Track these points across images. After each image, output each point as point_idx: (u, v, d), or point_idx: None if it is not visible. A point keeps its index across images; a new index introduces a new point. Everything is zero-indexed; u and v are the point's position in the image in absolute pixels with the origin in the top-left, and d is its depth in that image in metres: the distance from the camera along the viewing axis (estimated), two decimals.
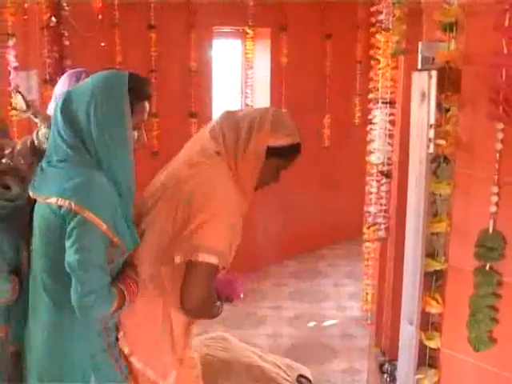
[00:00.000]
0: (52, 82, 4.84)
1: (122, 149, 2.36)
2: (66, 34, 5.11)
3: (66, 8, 5.09)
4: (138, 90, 2.40)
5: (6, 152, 3.07)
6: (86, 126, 2.31)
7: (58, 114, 2.36)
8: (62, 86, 3.46)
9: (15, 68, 4.39)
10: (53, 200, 2.26)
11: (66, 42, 5.11)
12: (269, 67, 6.99)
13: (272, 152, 2.67)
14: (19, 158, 3.13)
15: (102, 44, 5.33)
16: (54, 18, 4.92)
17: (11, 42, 4.37)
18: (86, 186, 2.27)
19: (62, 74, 4.82)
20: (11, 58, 4.37)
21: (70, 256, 2.22)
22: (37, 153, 3.26)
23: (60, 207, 2.25)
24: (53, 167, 2.36)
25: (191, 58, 6.20)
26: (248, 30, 6.56)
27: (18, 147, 3.24)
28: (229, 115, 2.69)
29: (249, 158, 2.58)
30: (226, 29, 6.80)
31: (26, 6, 4.52)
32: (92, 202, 2.25)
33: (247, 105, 6.86)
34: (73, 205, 2.22)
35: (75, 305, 2.24)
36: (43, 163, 2.42)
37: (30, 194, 2.40)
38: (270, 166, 2.67)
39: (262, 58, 6.97)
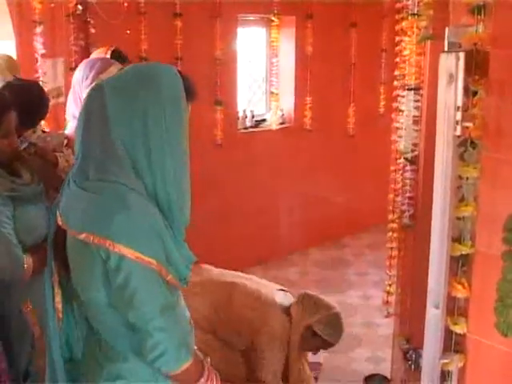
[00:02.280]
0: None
1: (180, 164, 2.01)
2: (92, 22, 5.12)
3: None
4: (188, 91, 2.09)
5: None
6: (138, 137, 1.94)
7: (95, 117, 1.97)
8: (78, 73, 3.52)
9: (42, 55, 4.42)
10: (85, 237, 1.90)
11: (92, 30, 5.12)
12: (294, 56, 6.98)
13: None
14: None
15: (128, 32, 5.34)
16: (80, 6, 4.94)
17: (38, 30, 4.41)
18: (127, 219, 1.89)
19: None
20: (38, 46, 4.41)
21: (129, 313, 1.93)
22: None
23: (98, 246, 1.89)
24: (82, 189, 1.97)
25: (216, 46, 6.20)
26: (273, 18, 6.54)
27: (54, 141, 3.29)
28: None
29: None
30: (251, 17, 6.79)
31: None
32: (134, 237, 1.89)
33: (272, 93, 6.85)
34: (112, 244, 1.87)
35: (148, 361, 1.98)
36: (71, 180, 2.04)
37: (59, 221, 2.04)
38: None
39: (286, 47, 6.95)
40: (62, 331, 2.19)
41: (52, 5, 4.59)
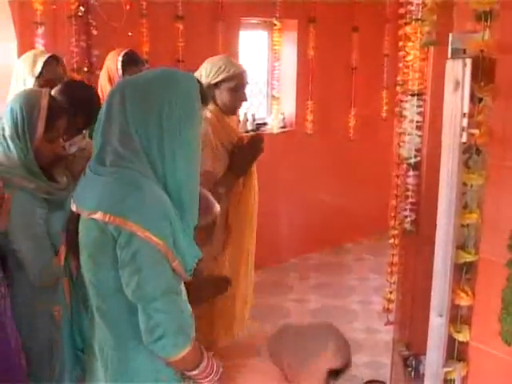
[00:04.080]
0: (79, 71, 4.87)
1: (191, 162, 2.09)
2: (94, 24, 5.10)
3: None
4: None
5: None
6: (153, 131, 2.03)
7: (116, 111, 2.06)
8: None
9: None
10: (98, 215, 1.98)
11: (94, 32, 5.10)
12: (295, 59, 6.96)
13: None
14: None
15: (130, 34, 5.33)
16: (82, 8, 4.93)
17: (40, 31, 4.41)
18: (139, 199, 1.98)
19: (90, 62, 4.90)
20: (40, 47, 4.40)
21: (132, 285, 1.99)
22: None
23: (106, 224, 1.98)
24: (98, 175, 2.07)
25: (218, 49, 6.17)
26: (275, 22, 6.53)
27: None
28: None
29: None
30: (254, 20, 6.78)
31: None
32: (145, 217, 1.97)
33: (273, 96, 6.85)
34: (123, 222, 1.95)
35: (146, 344, 2.03)
36: (87, 169, 2.15)
37: (73, 207, 2.14)
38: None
39: (288, 50, 6.94)
40: (74, 321, 2.25)
41: (54, 6, 4.59)
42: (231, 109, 3.75)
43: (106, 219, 1.96)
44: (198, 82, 2.17)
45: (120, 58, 3.94)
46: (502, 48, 2.12)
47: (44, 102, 2.72)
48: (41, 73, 3.58)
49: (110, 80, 3.97)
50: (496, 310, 2.17)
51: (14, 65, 3.97)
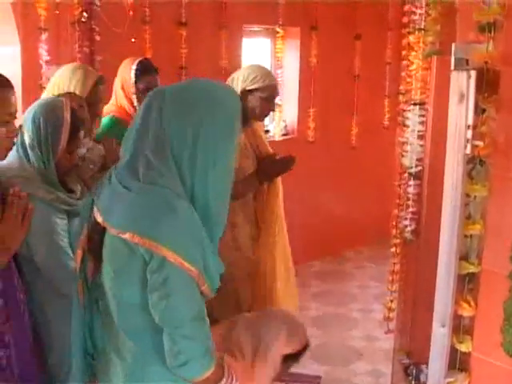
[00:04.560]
0: None
1: (222, 180, 2.05)
2: (97, 30, 5.11)
3: (98, 3, 5.09)
4: None
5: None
6: (187, 143, 1.97)
7: (152, 119, 2.01)
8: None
9: (47, 62, 4.42)
10: (129, 236, 1.93)
11: (97, 38, 5.11)
12: (298, 67, 6.97)
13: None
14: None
15: (133, 40, 5.34)
16: (85, 14, 4.93)
17: (44, 37, 4.41)
18: (172, 223, 1.92)
19: (93, 68, 4.91)
20: (43, 53, 4.41)
21: (160, 309, 1.96)
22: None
23: (137, 245, 1.92)
24: (127, 189, 2.00)
25: (221, 56, 6.19)
26: (278, 29, 6.54)
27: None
28: None
29: None
30: (257, 27, 6.79)
31: (57, 0, 4.55)
32: (178, 242, 1.92)
33: (276, 103, 6.84)
34: (156, 246, 1.89)
35: (170, 367, 2.00)
36: (113, 176, 2.09)
37: (99, 218, 2.06)
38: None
39: (291, 58, 6.95)
40: (86, 326, 2.22)
41: (57, 12, 4.59)
42: (259, 116, 3.88)
43: (137, 241, 1.91)
44: (241, 99, 2.14)
45: (134, 67, 3.93)
46: (506, 60, 2.12)
47: (67, 115, 2.73)
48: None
49: (124, 88, 3.97)
50: (498, 320, 2.17)
51: (17, 70, 3.99)
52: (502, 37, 2.19)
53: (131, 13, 5.18)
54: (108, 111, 3.93)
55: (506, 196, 2.17)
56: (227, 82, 3.82)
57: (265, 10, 6.36)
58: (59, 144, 2.71)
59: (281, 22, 6.49)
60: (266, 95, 3.78)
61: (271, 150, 4.00)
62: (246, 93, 3.72)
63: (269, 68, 6.91)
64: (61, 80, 3.58)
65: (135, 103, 3.89)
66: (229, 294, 3.51)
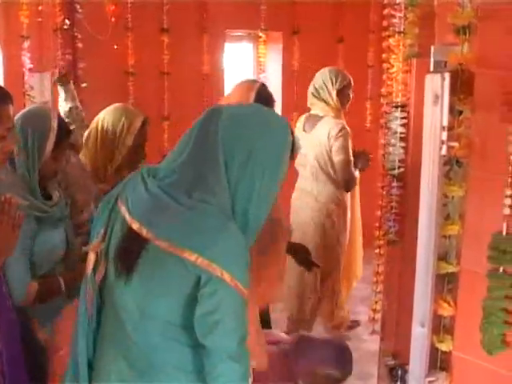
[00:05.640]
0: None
1: (264, 205, 2.02)
2: (80, 37, 5.13)
3: (80, 11, 5.11)
4: None
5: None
6: (236, 169, 1.95)
7: (209, 139, 1.98)
8: None
9: (30, 70, 4.42)
10: (187, 254, 1.86)
11: (80, 45, 5.13)
12: (280, 71, 6.99)
13: None
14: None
15: (115, 47, 5.35)
16: (67, 21, 4.94)
17: (26, 44, 4.41)
18: (228, 244, 1.88)
19: (76, 75, 4.92)
20: (26, 60, 4.41)
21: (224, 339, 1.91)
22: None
23: (198, 267, 1.85)
24: (175, 201, 1.93)
25: (203, 62, 6.21)
26: (260, 34, 6.56)
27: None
28: None
29: None
30: (239, 32, 6.81)
31: (39, 8, 4.55)
32: (234, 264, 1.88)
33: None
34: (213, 267, 1.84)
35: None
36: (150, 184, 2.00)
37: (135, 225, 1.96)
38: None
39: (274, 62, 6.96)
40: (90, 333, 2.16)
41: (39, 19, 4.59)
42: (345, 106, 5.06)
43: (193, 259, 1.85)
44: (291, 133, 2.13)
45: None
46: (480, 62, 2.15)
47: (55, 124, 2.75)
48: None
49: None
50: (478, 319, 2.19)
51: None
52: (476, 39, 2.21)
53: (113, 19, 5.19)
54: None
55: (483, 196, 2.19)
56: (311, 91, 5.02)
57: (247, 15, 6.39)
58: (44, 151, 2.72)
59: (263, 27, 6.51)
60: (349, 89, 5.02)
61: None
62: (338, 93, 4.89)
63: (251, 73, 6.98)
64: (108, 121, 3.53)
65: None
66: None
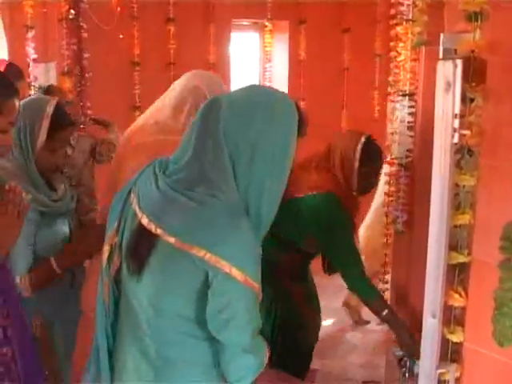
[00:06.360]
0: (70, 74, 4.86)
1: (274, 192, 1.96)
2: (85, 27, 5.10)
3: (85, 0, 5.09)
4: None
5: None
6: (243, 156, 1.91)
7: (211, 131, 1.93)
8: None
9: (34, 60, 4.40)
10: (196, 251, 1.84)
11: (85, 35, 5.10)
12: (287, 60, 6.97)
13: None
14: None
15: (121, 37, 5.33)
16: (72, 11, 4.93)
17: (30, 35, 4.39)
18: (239, 241, 1.86)
19: (81, 66, 4.90)
20: (30, 50, 4.39)
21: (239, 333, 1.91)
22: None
23: (207, 263, 1.84)
24: (184, 196, 1.91)
25: (209, 51, 6.19)
26: (266, 23, 6.54)
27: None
28: None
29: None
30: (245, 22, 6.79)
31: None
32: (244, 259, 1.86)
33: None
34: (224, 264, 1.82)
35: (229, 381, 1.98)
36: (161, 181, 1.98)
37: (145, 220, 1.95)
38: None
39: (280, 52, 6.94)
40: (109, 325, 2.16)
41: (44, 9, 4.58)
42: None
43: (202, 255, 1.83)
44: (298, 108, 2.05)
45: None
46: (493, 48, 2.11)
47: (49, 111, 2.67)
48: None
49: None
50: (489, 310, 2.16)
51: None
52: (488, 26, 2.17)
53: (119, 9, 5.17)
54: None
55: (494, 185, 2.16)
56: None
57: (253, 4, 6.36)
58: (37, 140, 2.65)
59: (269, 16, 6.50)
60: None
61: None
62: None
63: (257, 62, 6.96)
64: None
65: None
66: None
